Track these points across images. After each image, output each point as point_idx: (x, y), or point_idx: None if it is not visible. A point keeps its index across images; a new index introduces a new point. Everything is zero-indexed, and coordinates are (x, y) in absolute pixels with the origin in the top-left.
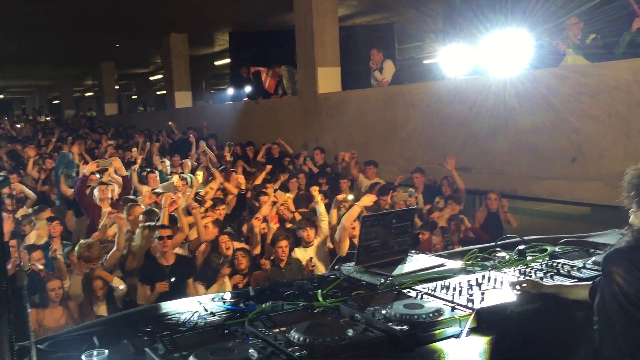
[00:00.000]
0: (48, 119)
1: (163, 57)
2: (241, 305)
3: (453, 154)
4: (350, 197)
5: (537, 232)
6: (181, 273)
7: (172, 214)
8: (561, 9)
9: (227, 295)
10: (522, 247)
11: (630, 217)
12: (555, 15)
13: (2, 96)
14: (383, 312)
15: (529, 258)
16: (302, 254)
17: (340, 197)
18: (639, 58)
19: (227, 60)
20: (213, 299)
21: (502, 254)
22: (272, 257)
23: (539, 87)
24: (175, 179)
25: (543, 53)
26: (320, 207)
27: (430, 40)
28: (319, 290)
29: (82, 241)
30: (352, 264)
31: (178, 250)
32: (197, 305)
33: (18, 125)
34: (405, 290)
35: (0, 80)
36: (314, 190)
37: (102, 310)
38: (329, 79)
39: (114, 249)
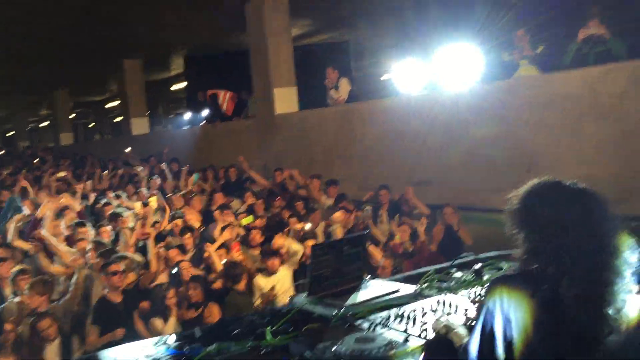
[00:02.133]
0: (2, 152)
1: (118, 83)
2: (185, 349)
3: (409, 169)
4: (308, 226)
5: (497, 243)
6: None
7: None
8: (509, 23)
9: (171, 339)
10: (477, 266)
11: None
12: (504, 29)
13: None
14: (333, 348)
15: (485, 277)
16: (265, 282)
17: (298, 226)
18: (587, 68)
19: (184, 84)
20: (156, 343)
21: (459, 274)
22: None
23: (491, 100)
24: (137, 206)
25: (495, 66)
26: (294, 246)
27: (384, 56)
28: (268, 327)
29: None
30: (304, 294)
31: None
32: (139, 351)
33: None
34: (358, 322)
35: None
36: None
37: (51, 355)
38: (285, 99)
39: (68, 297)
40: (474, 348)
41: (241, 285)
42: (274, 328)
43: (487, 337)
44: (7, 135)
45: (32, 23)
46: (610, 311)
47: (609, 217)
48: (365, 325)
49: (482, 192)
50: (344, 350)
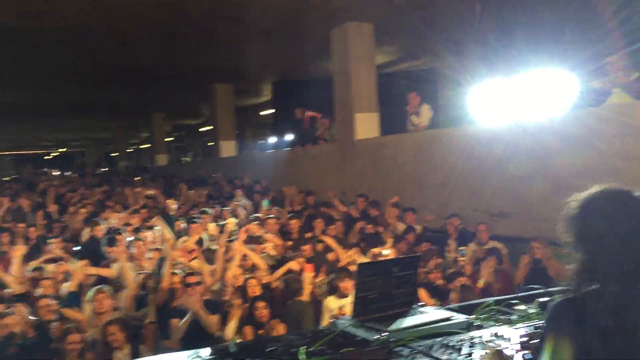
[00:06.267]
0: (103, 169)
1: (209, 107)
2: None
3: (488, 199)
4: (386, 252)
5: None
6: None
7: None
8: (602, 50)
9: (205, 352)
10: (543, 299)
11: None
12: (596, 57)
13: (63, 150)
14: None
15: None
16: (335, 303)
17: (375, 250)
18: None
19: (272, 111)
20: (190, 356)
21: (522, 307)
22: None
23: (580, 127)
24: (210, 227)
25: (584, 94)
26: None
27: (471, 84)
28: (302, 348)
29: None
30: (349, 317)
31: None
32: None
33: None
34: (398, 348)
35: (59, 132)
36: (352, 254)
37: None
38: (366, 125)
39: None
40: None
41: (304, 296)
42: (310, 349)
43: None
44: (111, 155)
45: (122, 48)
46: None
47: None
48: (406, 352)
49: None
50: None
